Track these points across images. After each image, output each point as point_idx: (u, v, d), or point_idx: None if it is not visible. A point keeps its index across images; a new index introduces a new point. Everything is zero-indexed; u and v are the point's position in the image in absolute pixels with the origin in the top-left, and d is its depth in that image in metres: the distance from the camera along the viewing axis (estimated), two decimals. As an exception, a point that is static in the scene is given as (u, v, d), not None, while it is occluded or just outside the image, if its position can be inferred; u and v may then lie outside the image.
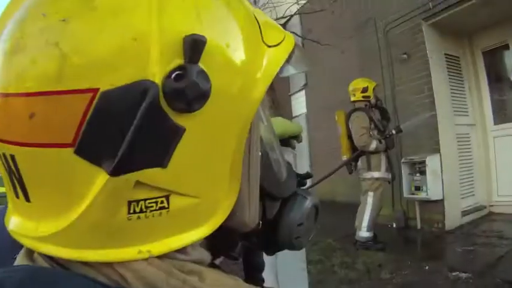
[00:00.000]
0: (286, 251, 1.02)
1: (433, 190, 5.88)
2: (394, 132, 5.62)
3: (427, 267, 4.44)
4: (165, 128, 0.39)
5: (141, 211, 0.40)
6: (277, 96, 5.16)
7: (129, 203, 0.39)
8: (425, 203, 6.11)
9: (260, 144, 0.54)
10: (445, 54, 6.46)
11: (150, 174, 0.39)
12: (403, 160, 6.50)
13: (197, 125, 0.41)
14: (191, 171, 0.43)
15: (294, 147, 1.05)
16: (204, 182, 0.45)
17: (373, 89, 5.71)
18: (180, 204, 0.42)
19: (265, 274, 1.09)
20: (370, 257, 5.05)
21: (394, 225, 6.67)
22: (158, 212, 0.41)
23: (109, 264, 0.41)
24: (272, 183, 0.59)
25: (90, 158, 0.37)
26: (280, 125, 0.99)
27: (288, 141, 1.02)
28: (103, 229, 0.40)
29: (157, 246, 0.42)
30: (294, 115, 12.83)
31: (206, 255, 0.51)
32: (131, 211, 0.40)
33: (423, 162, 6.05)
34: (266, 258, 1.09)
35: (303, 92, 12.24)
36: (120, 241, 0.41)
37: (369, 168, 5.58)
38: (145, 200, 0.40)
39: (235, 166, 0.47)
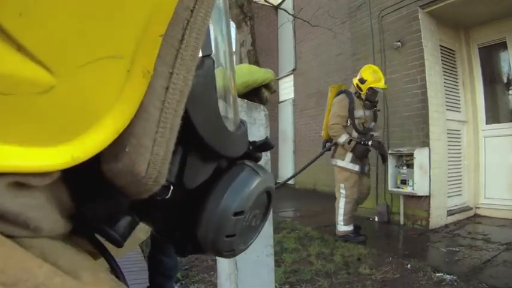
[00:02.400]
0: None
1: (419, 185, 5.75)
2: (378, 153, 5.51)
3: (409, 265, 4.29)
4: None
5: None
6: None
7: None
8: (411, 198, 5.99)
9: (206, 47, 0.34)
10: (441, 46, 6.31)
11: None
12: (390, 151, 6.32)
13: None
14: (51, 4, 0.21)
15: (266, 101, 0.91)
16: (71, 36, 0.22)
17: (370, 88, 5.27)
18: (8, 66, 0.21)
19: (221, 257, 0.93)
20: (349, 250, 4.90)
21: (376, 219, 6.56)
22: None
23: None
24: (212, 126, 0.36)
25: None
26: (247, 72, 0.84)
27: (259, 91, 0.87)
28: None
29: None
30: (280, 100, 12.69)
31: (46, 217, 0.28)
32: None
33: (411, 155, 5.90)
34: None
35: (291, 76, 12.08)
36: None
37: (333, 155, 5.42)
38: None
39: (149, 40, 0.27)
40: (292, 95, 12.01)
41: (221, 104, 0.40)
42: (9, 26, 0.20)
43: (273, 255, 0.92)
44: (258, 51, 5.54)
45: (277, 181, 12.15)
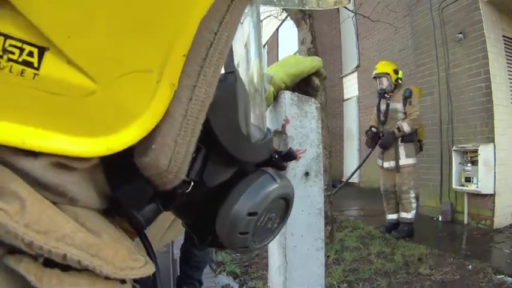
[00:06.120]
0: (299, 226, 0.88)
1: (484, 183, 5.51)
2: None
3: (470, 266, 4.17)
4: None
5: None
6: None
7: None
8: (475, 196, 5.75)
9: (229, 65, 0.40)
10: (504, 36, 5.96)
11: None
12: (454, 148, 6.13)
13: None
14: (99, 13, 0.27)
15: (317, 88, 0.89)
16: (109, 53, 0.29)
17: (378, 76, 5.68)
18: (60, 75, 0.28)
19: (271, 248, 0.96)
20: (411, 250, 4.82)
21: (440, 218, 6.34)
22: (19, 68, 0.27)
23: None
24: (230, 133, 0.41)
25: None
26: (294, 63, 0.85)
27: (309, 80, 0.87)
28: None
29: (4, 126, 0.28)
30: (345, 98, 12.53)
31: (82, 192, 0.34)
32: None
33: (475, 152, 5.67)
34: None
35: (355, 73, 11.87)
36: None
37: None
38: (6, 36, 0.26)
39: (174, 58, 0.32)
40: (356, 93, 11.80)
41: (245, 115, 0.44)
42: (60, 45, 0.27)
43: (323, 250, 0.92)
44: (321, 49, 5.53)
45: (342, 180, 12.01)
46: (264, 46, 18.20)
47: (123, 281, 0.34)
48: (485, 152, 5.54)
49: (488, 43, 5.63)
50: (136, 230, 0.41)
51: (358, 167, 6.01)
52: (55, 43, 0.27)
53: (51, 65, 0.28)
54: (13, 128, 0.28)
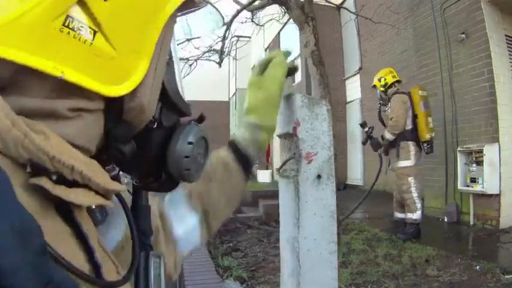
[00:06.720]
0: (312, 229, 0.89)
1: (489, 183, 5.49)
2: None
3: (477, 267, 4.17)
4: None
5: (72, 29, 0.45)
6: (328, 81, 5.00)
7: (68, 16, 0.44)
8: (481, 196, 5.73)
9: (170, 54, 0.62)
10: (506, 36, 5.96)
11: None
12: (459, 148, 6.11)
13: None
14: (122, 17, 0.49)
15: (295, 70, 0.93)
16: (126, 38, 0.50)
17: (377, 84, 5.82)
18: (101, 47, 0.48)
19: (284, 252, 0.98)
20: (418, 251, 4.82)
21: (446, 220, 6.30)
22: (84, 38, 0.46)
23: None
24: (174, 91, 0.62)
25: None
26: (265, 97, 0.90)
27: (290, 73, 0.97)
28: (39, 32, 0.43)
29: (71, 72, 0.45)
30: (347, 100, 12.52)
31: (91, 131, 0.52)
32: (66, 23, 0.44)
33: (480, 152, 5.65)
34: (286, 233, 0.97)
35: (358, 76, 11.87)
36: (45, 51, 0.44)
37: None
38: (79, 21, 0.45)
39: (151, 45, 0.54)
40: (359, 95, 11.79)
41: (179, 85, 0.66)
42: (105, 31, 0.47)
43: (336, 253, 0.90)
44: (323, 52, 5.51)
45: (346, 183, 11.99)
46: (265, 50, 18.24)
47: (107, 199, 0.49)
48: (490, 152, 5.53)
49: (491, 43, 5.63)
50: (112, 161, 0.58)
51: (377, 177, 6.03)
52: (103, 29, 0.47)
53: (98, 40, 0.47)
54: (75, 74, 0.45)
